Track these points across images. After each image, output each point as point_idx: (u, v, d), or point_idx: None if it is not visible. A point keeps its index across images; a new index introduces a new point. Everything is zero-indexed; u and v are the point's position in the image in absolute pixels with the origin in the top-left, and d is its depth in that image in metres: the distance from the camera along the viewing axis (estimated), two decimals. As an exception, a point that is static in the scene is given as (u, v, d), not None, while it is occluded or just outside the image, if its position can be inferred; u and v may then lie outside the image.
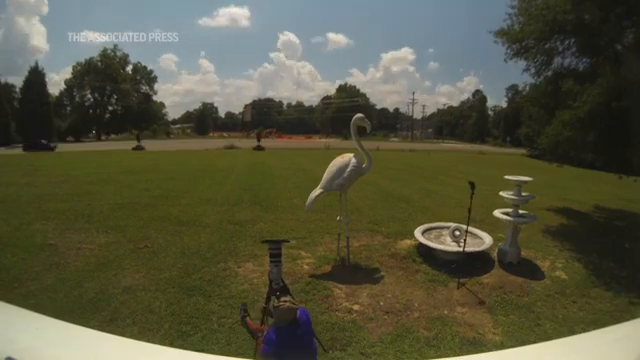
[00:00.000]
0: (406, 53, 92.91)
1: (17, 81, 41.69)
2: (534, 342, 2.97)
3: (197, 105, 69.65)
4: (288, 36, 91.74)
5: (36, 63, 37.20)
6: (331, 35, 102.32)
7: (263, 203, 7.70)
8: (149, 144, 25.40)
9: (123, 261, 4.58)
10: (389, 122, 71.73)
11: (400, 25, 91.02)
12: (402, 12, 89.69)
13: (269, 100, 77.07)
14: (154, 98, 53.68)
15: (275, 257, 2.45)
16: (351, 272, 4.49)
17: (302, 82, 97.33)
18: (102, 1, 74.80)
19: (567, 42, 6.93)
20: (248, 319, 2.57)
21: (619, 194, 10.07)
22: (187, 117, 69.72)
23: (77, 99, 47.56)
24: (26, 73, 36.41)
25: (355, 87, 66.05)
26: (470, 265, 4.61)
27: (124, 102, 48.28)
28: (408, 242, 5.42)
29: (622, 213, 8.39)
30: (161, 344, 1.05)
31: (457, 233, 5.05)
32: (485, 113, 58.88)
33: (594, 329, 1.11)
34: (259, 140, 25.69)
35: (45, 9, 69.55)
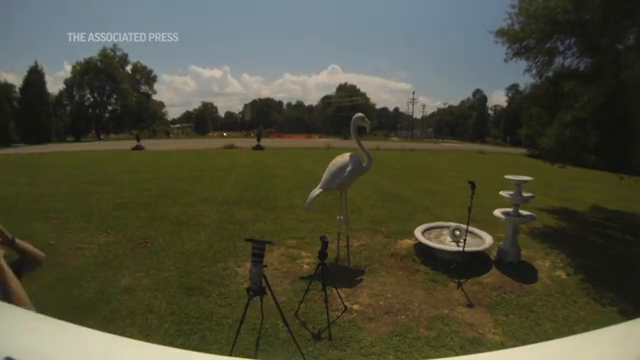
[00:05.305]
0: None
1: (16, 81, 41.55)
2: (534, 342, 2.96)
3: (197, 105, 69.77)
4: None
5: (35, 63, 36.96)
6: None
7: (263, 203, 7.70)
8: (148, 144, 25.29)
9: (123, 261, 4.58)
10: (389, 121, 71.61)
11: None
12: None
13: (269, 99, 77.14)
14: (153, 97, 53.77)
15: (256, 257, 2.45)
16: (351, 272, 4.49)
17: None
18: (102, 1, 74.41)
19: (568, 42, 6.92)
20: None
21: (620, 194, 10.06)
22: (187, 117, 69.65)
23: (77, 99, 47.49)
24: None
25: (355, 86, 66.09)
26: (470, 265, 4.61)
27: (124, 102, 48.22)
28: (408, 242, 5.42)
29: (620, 214, 8.39)
30: (161, 344, 1.05)
31: (457, 233, 5.05)
32: (485, 112, 58.86)
33: (594, 329, 1.10)
34: (259, 140, 25.61)
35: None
